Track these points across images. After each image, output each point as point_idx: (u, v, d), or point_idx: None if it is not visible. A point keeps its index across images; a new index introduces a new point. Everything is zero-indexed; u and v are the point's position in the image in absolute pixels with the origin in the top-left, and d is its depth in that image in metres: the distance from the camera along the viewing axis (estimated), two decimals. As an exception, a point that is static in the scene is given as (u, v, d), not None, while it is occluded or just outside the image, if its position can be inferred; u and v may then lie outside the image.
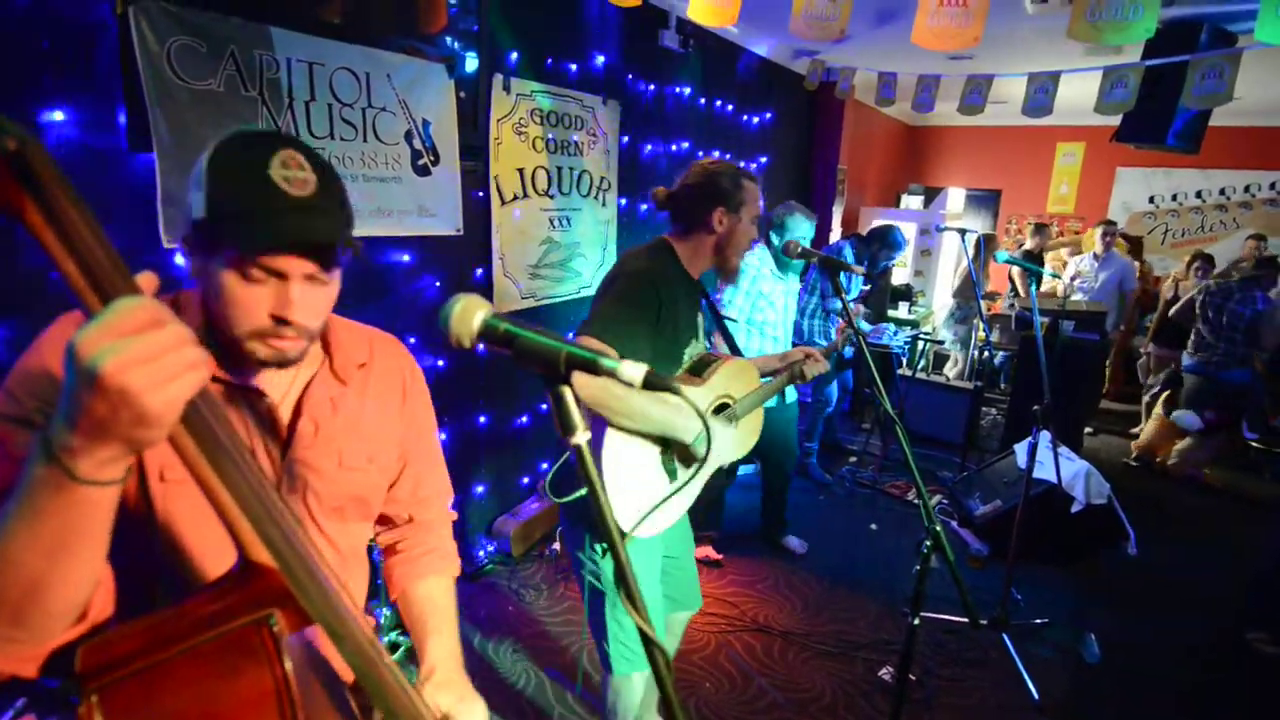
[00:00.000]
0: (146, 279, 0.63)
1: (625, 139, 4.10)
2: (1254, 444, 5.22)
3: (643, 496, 1.82)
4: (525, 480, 3.82)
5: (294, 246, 0.84)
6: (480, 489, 3.47)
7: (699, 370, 1.88)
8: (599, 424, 1.78)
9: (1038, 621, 3.22)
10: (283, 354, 0.90)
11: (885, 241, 4.63)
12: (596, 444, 1.77)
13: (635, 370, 0.65)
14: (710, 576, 3.53)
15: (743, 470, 4.79)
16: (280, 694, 0.67)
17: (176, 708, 0.65)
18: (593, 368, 0.66)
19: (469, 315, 0.69)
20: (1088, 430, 5.87)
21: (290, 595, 0.71)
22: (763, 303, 3.37)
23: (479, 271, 3.26)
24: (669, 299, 1.76)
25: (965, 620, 3.13)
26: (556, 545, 3.63)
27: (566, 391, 0.69)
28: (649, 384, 0.65)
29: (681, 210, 1.85)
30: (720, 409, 1.92)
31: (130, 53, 1.85)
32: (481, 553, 3.48)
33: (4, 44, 1.70)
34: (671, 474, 1.86)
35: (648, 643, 0.72)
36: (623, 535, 0.72)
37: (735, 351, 2.00)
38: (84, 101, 1.84)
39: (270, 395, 0.97)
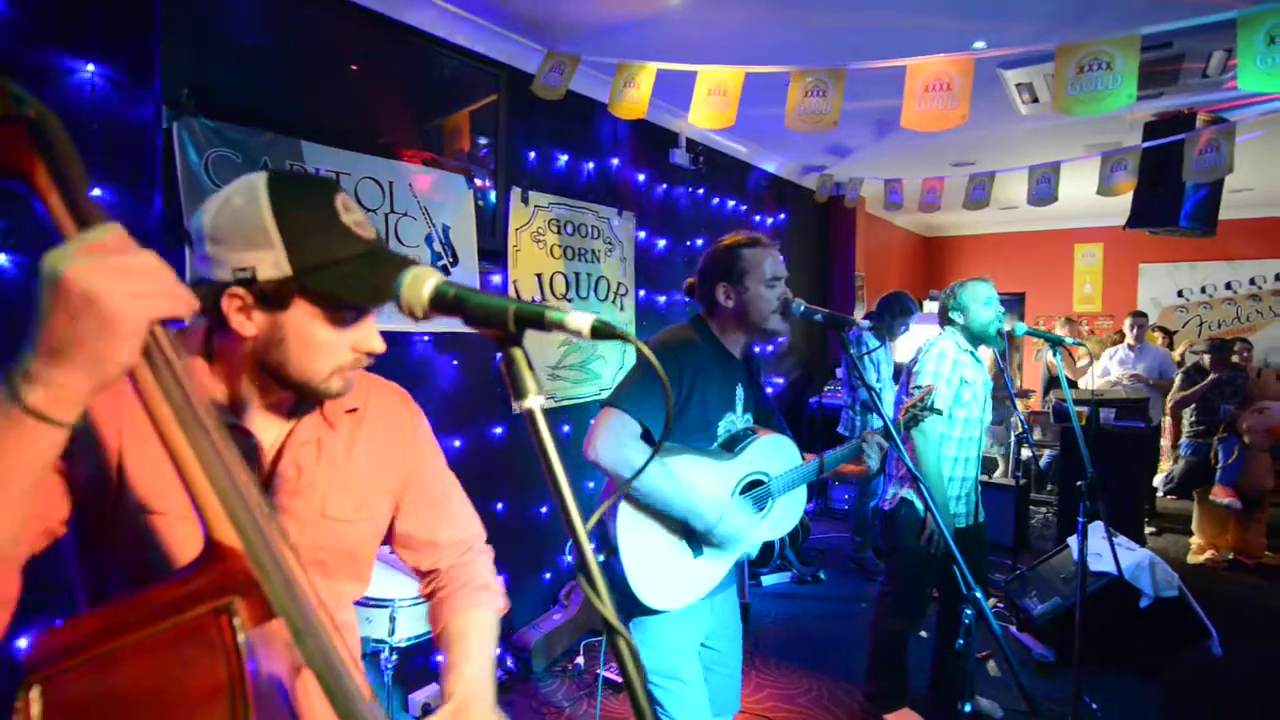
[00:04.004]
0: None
1: (641, 247, 4.26)
2: None
3: (661, 567, 1.74)
4: (547, 578, 3.66)
5: (392, 291, 0.86)
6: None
7: (732, 445, 1.84)
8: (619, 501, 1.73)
9: (1119, 734, 2.86)
10: (352, 381, 0.94)
11: (897, 310, 4.57)
12: (612, 513, 1.72)
13: (581, 319, 0.64)
14: (744, 688, 3.24)
15: (774, 580, 4.54)
16: (234, 689, 0.62)
17: (123, 701, 0.60)
18: (539, 321, 0.65)
19: (420, 283, 0.69)
20: (1150, 530, 5.49)
21: (254, 582, 0.67)
22: (967, 394, 2.71)
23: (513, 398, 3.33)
24: (697, 370, 1.77)
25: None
26: (581, 659, 3.41)
27: (518, 354, 0.67)
28: (596, 332, 0.64)
29: (698, 294, 1.92)
30: (752, 487, 1.85)
31: (171, 160, 2.03)
32: (498, 669, 3.28)
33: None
34: (695, 549, 1.78)
35: (610, 631, 0.65)
36: (585, 520, 0.67)
37: (780, 430, 1.95)
38: (125, 202, 2.01)
39: (256, 435, 0.96)
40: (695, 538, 1.77)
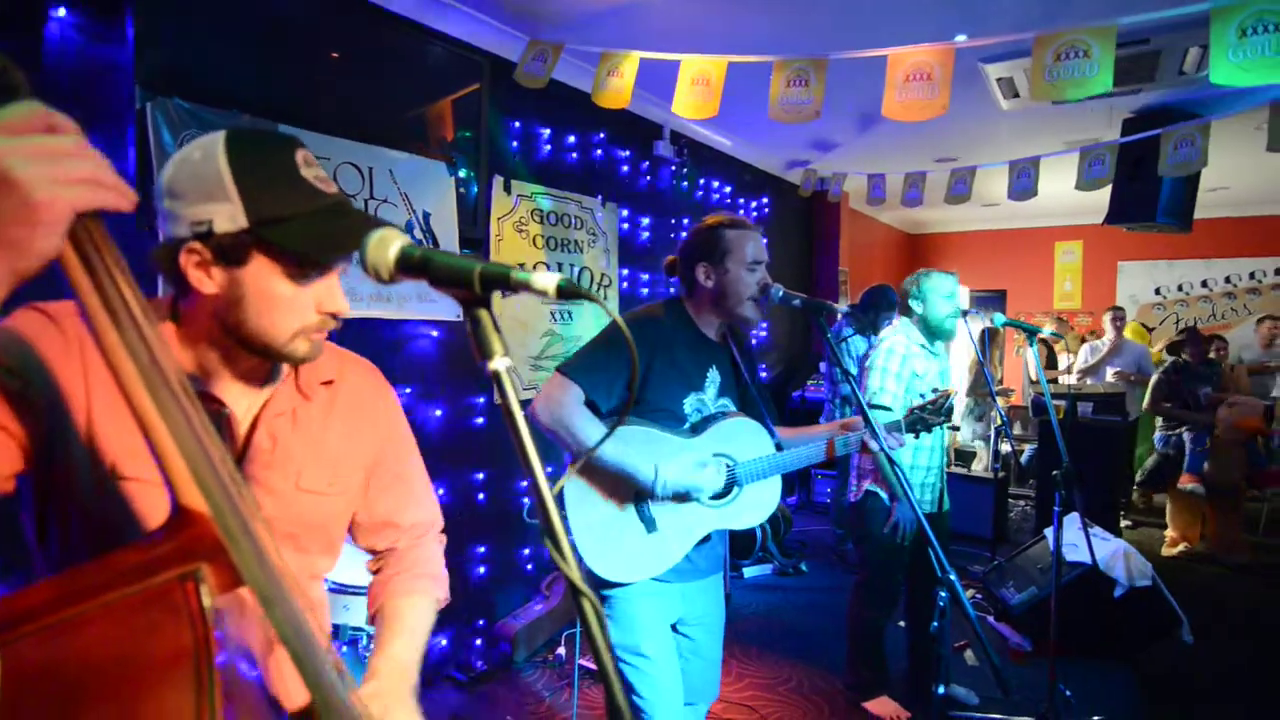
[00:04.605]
0: None
1: (624, 238, 4.26)
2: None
3: (611, 539, 1.73)
4: (529, 568, 3.66)
5: (352, 247, 0.84)
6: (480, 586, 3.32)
7: (700, 425, 1.84)
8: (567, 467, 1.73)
9: (1093, 720, 2.90)
10: (320, 345, 0.92)
11: (883, 305, 4.56)
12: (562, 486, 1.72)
13: (547, 279, 0.64)
14: (725, 678, 3.26)
15: (755, 571, 4.55)
16: (199, 655, 0.61)
17: (85, 667, 0.59)
18: (505, 280, 0.64)
19: (386, 244, 0.68)
20: (1125, 524, 5.57)
21: (222, 548, 0.66)
22: (921, 387, 2.72)
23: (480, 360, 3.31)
24: (656, 347, 1.77)
25: None
26: (562, 650, 3.40)
27: (485, 315, 0.66)
28: (562, 291, 0.63)
29: (679, 274, 1.91)
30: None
31: (145, 142, 2.00)
32: (480, 660, 3.27)
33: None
34: (649, 524, 1.77)
35: (575, 593, 0.65)
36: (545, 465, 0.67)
37: (761, 420, 1.91)
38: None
39: (230, 406, 0.95)
40: (646, 510, 1.76)
